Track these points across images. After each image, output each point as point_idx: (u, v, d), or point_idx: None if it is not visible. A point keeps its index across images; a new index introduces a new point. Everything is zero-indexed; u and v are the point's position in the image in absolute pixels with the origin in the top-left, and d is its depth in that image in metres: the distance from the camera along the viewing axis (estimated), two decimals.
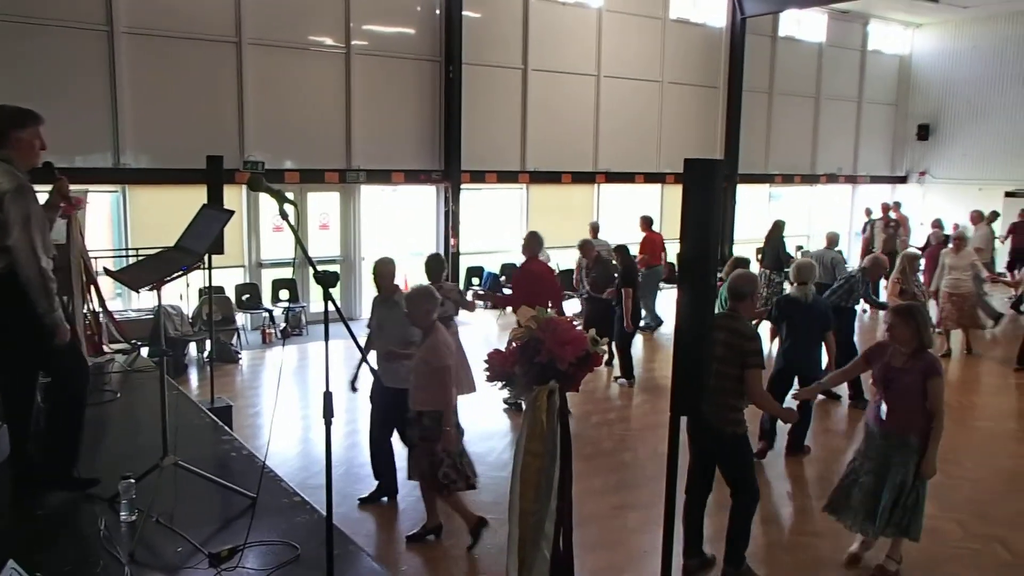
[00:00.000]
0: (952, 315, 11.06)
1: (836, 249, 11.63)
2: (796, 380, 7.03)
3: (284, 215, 3.31)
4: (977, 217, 15.35)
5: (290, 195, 3.45)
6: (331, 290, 3.39)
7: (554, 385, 3.02)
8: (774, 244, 13.11)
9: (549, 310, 3.08)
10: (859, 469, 5.10)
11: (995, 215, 16.72)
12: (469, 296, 8.85)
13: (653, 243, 12.86)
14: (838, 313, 7.88)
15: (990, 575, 5.23)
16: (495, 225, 15.15)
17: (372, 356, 5.81)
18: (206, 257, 7.55)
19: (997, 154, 19.18)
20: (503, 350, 3.16)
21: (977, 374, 10.62)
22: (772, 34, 18.27)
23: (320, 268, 3.32)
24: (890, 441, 4.94)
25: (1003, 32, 19.09)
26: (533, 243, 8.30)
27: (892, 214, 16.44)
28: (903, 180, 21.42)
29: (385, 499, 6.13)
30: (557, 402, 3.03)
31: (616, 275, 9.57)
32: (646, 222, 12.96)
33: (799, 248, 18.20)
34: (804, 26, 18.87)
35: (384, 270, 6.07)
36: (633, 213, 13.87)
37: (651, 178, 16.33)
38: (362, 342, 5.44)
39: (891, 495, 4.89)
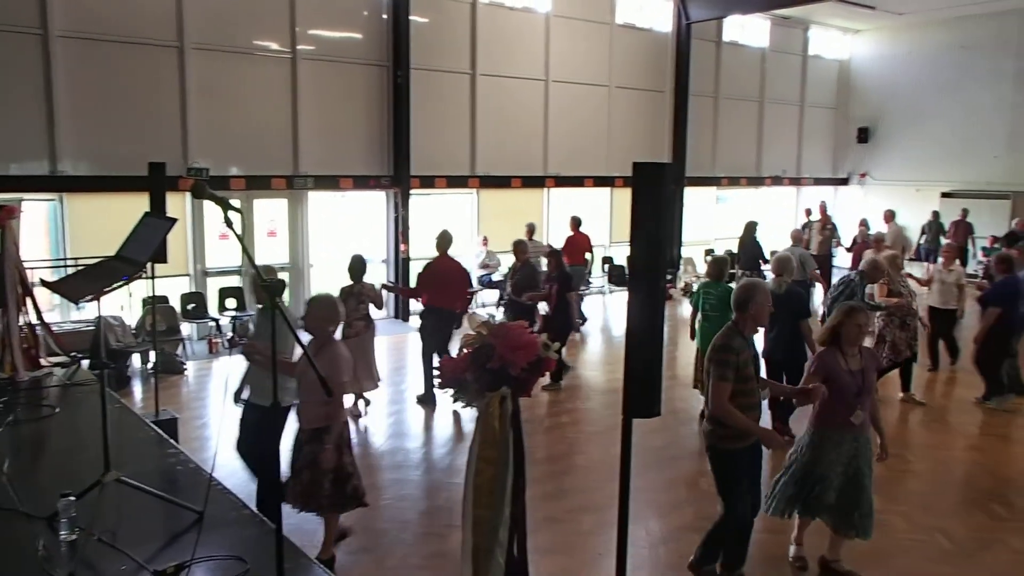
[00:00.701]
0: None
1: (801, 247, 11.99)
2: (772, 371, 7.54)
3: (229, 223, 3.23)
4: (889, 216, 15.85)
5: (236, 202, 3.37)
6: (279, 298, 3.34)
7: (506, 391, 3.00)
8: (749, 245, 13.31)
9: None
10: (828, 474, 4.99)
11: (936, 216, 17.37)
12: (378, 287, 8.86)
13: (576, 243, 13.07)
14: None
15: (933, 564, 5.36)
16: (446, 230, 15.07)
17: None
18: (149, 266, 7.39)
19: (933, 156, 19.78)
20: (455, 356, 3.13)
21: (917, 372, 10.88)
22: (717, 39, 18.58)
23: (267, 276, 3.26)
24: (860, 441, 5.01)
25: (937, 38, 19.71)
26: (442, 242, 9.00)
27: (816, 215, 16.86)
28: (844, 182, 21.95)
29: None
30: (510, 408, 3.01)
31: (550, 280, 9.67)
32: (575, 222, 13.28)
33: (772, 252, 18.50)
34: (747, 31, 19.23)
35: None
36: (585, 217, 13.97)
37: (600, 182, 16.45)
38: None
39: (862, 495, 4.97)
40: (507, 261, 14.51)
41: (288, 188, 12.51)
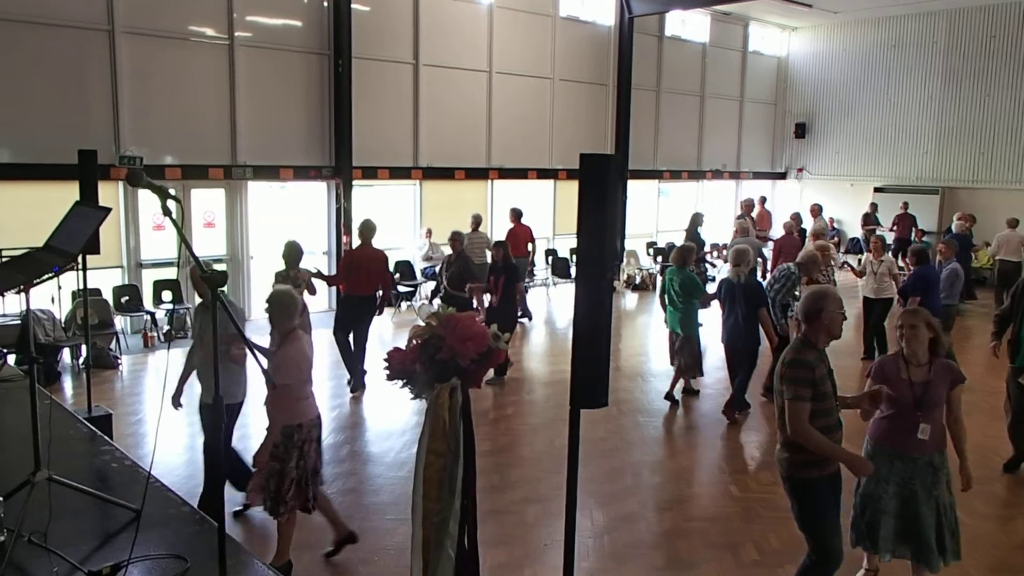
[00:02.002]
0: None
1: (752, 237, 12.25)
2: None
3: (167, 212, 3.13)
4: (816, 210, 16.29)
5: (173, 191, 3.27)
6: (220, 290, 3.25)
7: (456, 382, 2.98)
8: (693, 237, 13.39)
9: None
10: (881, 494, 4.56)
11: (874, 207, 17.92)
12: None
13: (517, 235, 13.09)
14: (787, 308, 8.72)
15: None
16: (388, 222, 14.94)
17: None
18: (80, 258, 7.14)
19: (867, 152, 20.40)
20: (403, 348, 3.10)
21: (853, 360, 11.20)
22: (659, 34, 18.77)
23: (210, 268, 3.17)
24: (919, 463, 4.51)
25: (870, 37, 20.28)
26: (366, 230, 9.07)
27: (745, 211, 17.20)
28: (782, 176, 22.44)
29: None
30: (460, 399, 2.99)
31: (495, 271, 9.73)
32: (515, 214, 13.26)
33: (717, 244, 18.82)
34: (689, 27, 19.48)
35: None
36: (529, 209, 14.00)
37: (544, 174, 16.50)
38: (263, 343, 5.29)
39: (918, 523, 4.48)
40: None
41: (226, 178, 12.24)
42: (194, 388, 5.72)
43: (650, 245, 18.52)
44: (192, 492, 5.83)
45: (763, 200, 18.78)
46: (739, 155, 21.48)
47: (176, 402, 5.80)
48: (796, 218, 16.00)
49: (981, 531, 5.80)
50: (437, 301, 11.06)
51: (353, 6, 13.02)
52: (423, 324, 2.98)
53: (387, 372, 3.11)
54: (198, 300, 5.87)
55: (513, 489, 6.38)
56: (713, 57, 20.12)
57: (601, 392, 3.12)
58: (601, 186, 3.05)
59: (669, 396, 8.71)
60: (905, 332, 4.55)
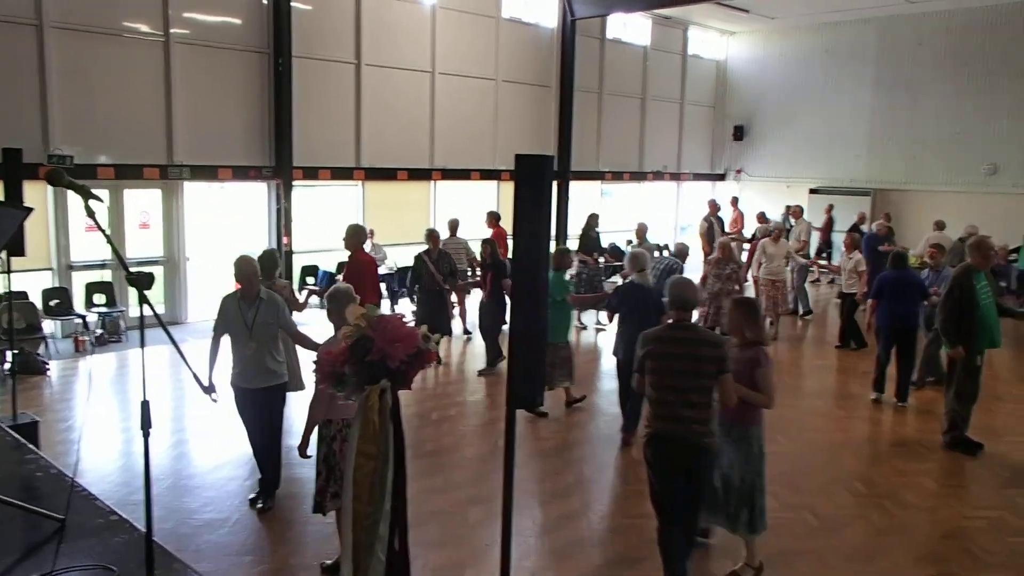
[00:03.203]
0: (768, 303, 11.99)
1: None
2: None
3: (91, 212, 3.05)
4: (799, 212, 16.64)
5: (104, 192, 3.18)
6: (148, 292, 3.17)
7: (386, 384, 2.96)
8: (589, 238, 13.34)
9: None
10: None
11: (800, 210, 18.25)
12: (302, 297, 8.62)
13: (500, 238, 13.00)
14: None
15: (801, 540, 5.64)
16: (330, 223, 14.80)
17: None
18: (4, 259, 6.90)
19: (802, 154, 20.90)
20: (332, 349, 3.06)
21: (791, 357, 11.48)
22: (601, 36, 18.94)
23: (136, 269, 3.09)
24: (731, 435, 4.95)
25: (805, 43, 20.79)
26: (362, 234, 8.59)
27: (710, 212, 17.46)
28: (722, 177, 22.85)
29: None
30: (389, 401, 2.97)
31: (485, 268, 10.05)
32: (493, 218, 13.13)
33: (629, 242, 19.02)
34: (630, 30, 19.69)
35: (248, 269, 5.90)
36: (471, 210, 13.96)
37: (487, 175, 16.50)
38: (202, 347, 5.23)
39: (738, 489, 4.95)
40: (393, 254, 14.40)
41: (162, 178, 11.94)
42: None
43: (597, 242, 18.64)
44: (125, 500, 5.67)
45: (735, 201, 18.96)
46: (680, 157, 21.79)
47: (212, 389, 5.62)
48: (763, 218, 16.34)
49: (910, 522, 5.99)
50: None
51: (293, 5, 12.84)
52: (352, 325, 2.95)
53: (316, 375, 3.08)
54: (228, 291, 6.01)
55: (456, 490, 6.36)
56: (654, 60, 20.39)
57: (538, 392, 3.13)
58: (537, 187, 3.07)
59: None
60: (730, 318, 5.15)
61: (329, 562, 5.00)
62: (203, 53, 12.16)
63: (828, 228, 17.99)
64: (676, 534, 4.64)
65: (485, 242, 10.33)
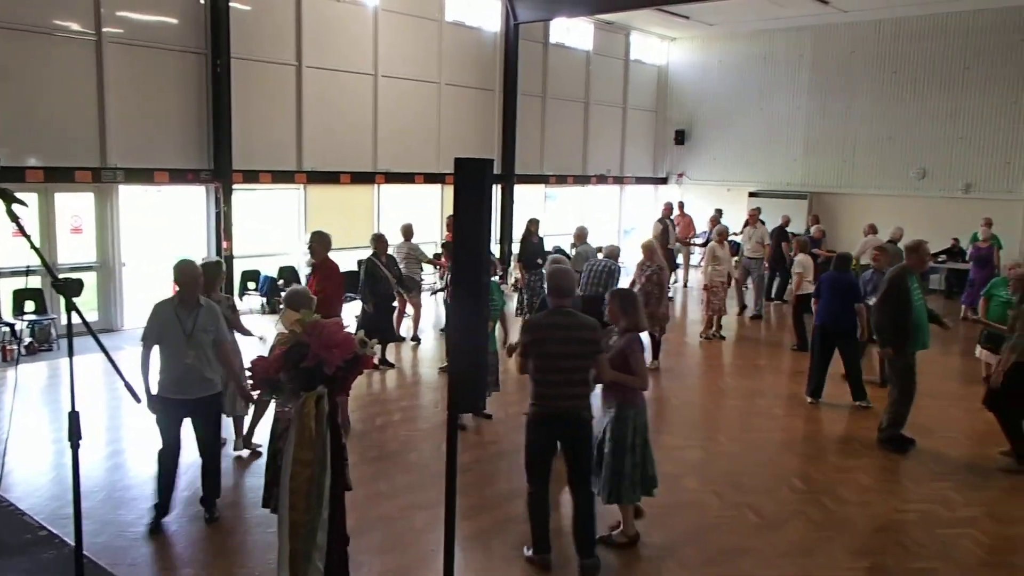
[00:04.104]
0: (717, 303, 12.24)
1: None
2: None
3: (13, 216, 2.95)
4: (715, 219, 16.90)
5: (32, 196, 3.07)
6: (79, 299, 3.07)
7: (322, 390, 2.91)
8: (530, 243, 13.07)
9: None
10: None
11: (722, 211, 18.50)
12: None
13: None
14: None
15: (743, 538, 5.74)
16: (271, 227, 14.58)
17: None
18: None
19: (742, 158, 21.33)
20: (266, 356, 3.01)
21: (730, 358, 11.70)
22: (544, 41, 19.04)
23: (65, 276, 2.99)
24: (609, 413, 5.42)
25: (743, 49, 21.23)
26: (330, 241, 8.37)
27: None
28: (664, 181, 23.17)
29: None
30: (326, 408, 2.93)
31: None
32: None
33: (573, 245, 19.14)
34: (573, 34, 19.84)
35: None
36: (416, 214, 13.89)
37: (431, 178, 16.44)
38: (130, 355, 5.07)
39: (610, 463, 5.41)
40: (336, 258, 14.23)
41: (95, 181, 11.60)
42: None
43: (540, 248, 18.71)
44: (56, 514, 5.49)
45: (681, 206, 19.20)
46: (623, 160, 22.04)
47: (149, 401, 5.44)
48: (716, 220, 16.59)
49: (845, 516, 6.15)
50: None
51: (232, 5, 12.61)
52: (286, 331, 2.90)
53: (251, 383, 3.02)
54: (162, 297, 5.76)
55: (401, 495, 6.31)
56: (597, 65, 20.58)
57: (479, 396, 3.12)
58: (477, 190, 3.06)
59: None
60: (609, 308, 5.50)
61: None
62: (137, 53, 11.86)
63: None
64: (546, 502, 5.12)
65: (445, 246, 10.30)
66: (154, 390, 5.50)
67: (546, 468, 5.11)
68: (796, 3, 17.41)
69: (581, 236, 12.48)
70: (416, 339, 11.83)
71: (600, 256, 10.67)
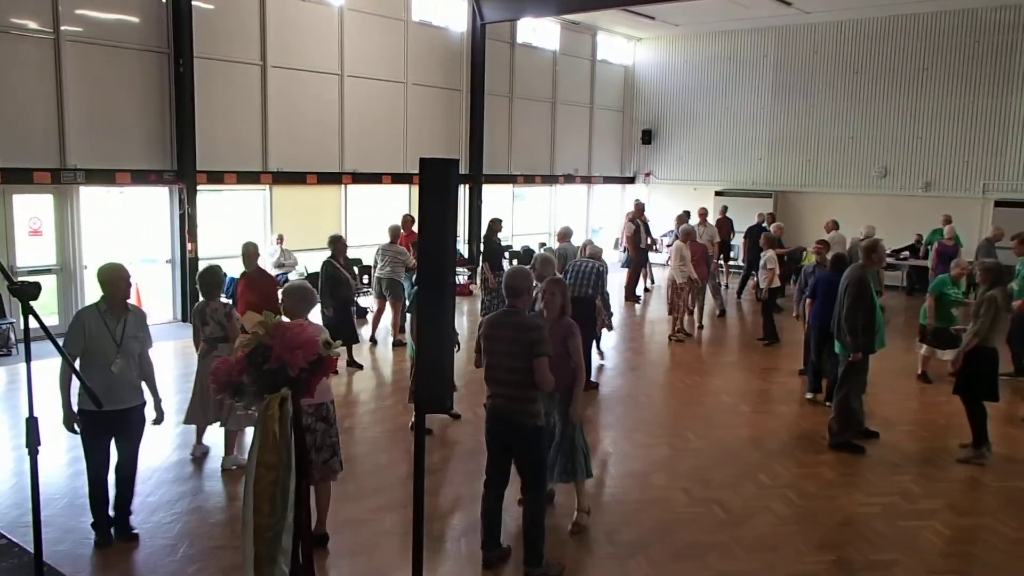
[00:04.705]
0: (679, 303, 12.35)
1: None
2: None
3: None
4: (684, 218, 17.04)
5: None
6: (36, 303, 3.02)
7: (286, 392, 2.89)
8: (491, 244, 12.91)
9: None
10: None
11: (690, 212, 18.66)
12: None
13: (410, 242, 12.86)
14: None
15: (710, 533, 5.80)
16: (237, 228, 14.42)
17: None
18: None
19: (708, 158, 21.55)
20: (228, 359, 2.97)
21: (697, 355, 11.80)
22: (511, 41, 19.06)
23: (23, 279, 2.94)
24: (554, 399, 5.63)
25: (708, 49, 21.44)
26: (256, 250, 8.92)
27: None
28: (631, 180, 23.32)
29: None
30: (290, 410, 2.90)
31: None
32: (411, 220, 12.83)
33: (542, 244, 19.24)
34: (540, 34, 19.89)
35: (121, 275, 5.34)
36: (383, 215, 13.83)
37: (398, 179, 16.38)
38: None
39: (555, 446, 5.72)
40: (303, 259, 14.17)
41: (54, 182, 11.39)
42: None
43: (506, 248, 18.74)
44: (17, 522, 5.40)
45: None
46: (590, 160, 22.14)
47: (75, 419, 5.18)
48: (682, 218, 16.69)
49: (810, 510, 6.24)
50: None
51: (194, 4, 12.45)
52: (249, 333, 2.87)
53: (213, 386, 2.98)
54: (90, 301, 5.50)
55: (370, 498, 6.28)
56: (563, 65, 20.65)
57: (446, 396, 3.12)
58: (443, 191, 3.06)
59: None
60: (545, 296, 5.68)
61: None
62: (97, 52, 11.67)
63: (727, 230, 18.51)
64: (498, 504, 5.21)
65: (414, 244, 10.25)
66: (75, 405, 5.16)
67: (499, 466, 5.17)
68: (759, 4, 17.61)
69: (565, 235, 12.50)
70: (373, 340, 11.71)
71: (581, 257, 10.64)
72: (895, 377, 10.22)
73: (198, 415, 7.01)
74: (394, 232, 11.91)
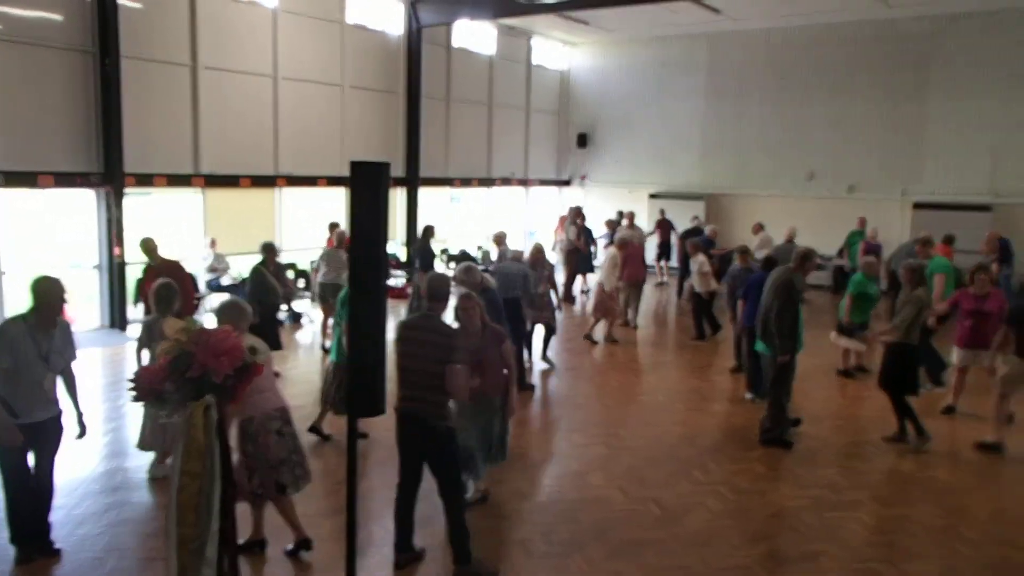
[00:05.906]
0: (614, 307, 12.53)
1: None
2: None
3: None
4: (632, 217, 17.28)
5: None
6: None
7: (210, 400, 2.84)
8: (424, 249, 12.82)
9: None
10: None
11: (624, 215, 18.90)
12: None
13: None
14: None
15: (647, 530, 5.91)
16: (169, 232, 14.07)
17: None
18: None
19: (642, 161, 21.88)
20: (150, 366, 2.91)
21: (633, 355, 11.98)
22: (447, 44, 19.05)
23: None
24: (480, 404, 5.89)
25: (642, 55, 21.79)
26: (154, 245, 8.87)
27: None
28: (567, 183, 23.54)
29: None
30: (215, 417, 2.85)
31: None
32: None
33: (480, 247, 19.28)
34: (476, 39, 19.93)
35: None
36: (318, 218, 13.67)
37: (334, 182, 16.20)
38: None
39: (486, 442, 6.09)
40: (236, 264, 13.90)
41: None
42: None
43: (443, 251, 18.73)
44: None
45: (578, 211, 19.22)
46: (527, 163, 22.27)
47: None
48: (611, 223, 16.83)
49: (742, 505, 6.41)
50: None
51: (120, 2, 12.11)
52: (171, 339, 2.82)
53: (134, 393, 2.91)
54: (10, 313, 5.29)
55: (306, 503, 6.19)
56: (500, 69, 20.73)
57: (378, 399, 3.12)
58: (372, 193, 3.06)
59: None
60: (460, 314, 5.82)
61: None
62: (18, 50, 11.26)
63: (666, 231, 18.88)
64: (410, 506, 5.25)
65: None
66: None
67: (411, 468, 5.19)
68: (689, 11, 17.94)
69: (500, 239, 12.51)
70: (325, 349, 11.56)
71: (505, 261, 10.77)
72: (821, 373, 10.56)
73: (158, 439, 6.52)
74: (340, 236, 11.84)
